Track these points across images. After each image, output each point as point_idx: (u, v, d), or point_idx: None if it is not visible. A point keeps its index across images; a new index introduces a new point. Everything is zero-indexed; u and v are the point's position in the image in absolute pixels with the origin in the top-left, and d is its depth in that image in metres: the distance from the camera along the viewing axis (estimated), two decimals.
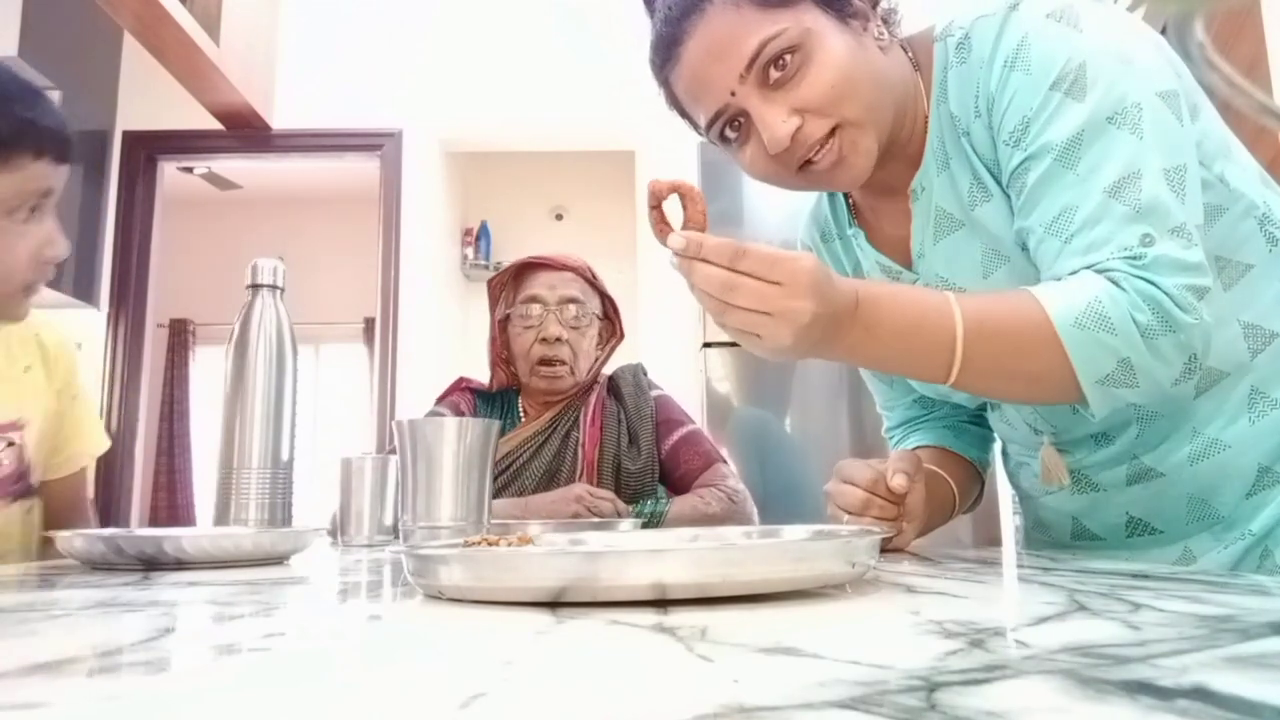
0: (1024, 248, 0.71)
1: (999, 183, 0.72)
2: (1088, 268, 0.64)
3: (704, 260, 0.61)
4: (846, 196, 0.89)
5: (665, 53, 0.75)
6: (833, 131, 0.71)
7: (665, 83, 0.78)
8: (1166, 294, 0.61)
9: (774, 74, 0.70)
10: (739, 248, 0.61)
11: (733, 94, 0.72)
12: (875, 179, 0.78)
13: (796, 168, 0.73)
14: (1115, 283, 0.62)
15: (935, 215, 0.77)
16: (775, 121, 0.70)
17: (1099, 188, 0.64)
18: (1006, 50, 0.69)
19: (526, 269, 1.47)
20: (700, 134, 0.79)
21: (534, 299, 1.43)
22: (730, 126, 0.75)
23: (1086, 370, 0.62)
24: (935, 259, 0.78)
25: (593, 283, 1.48)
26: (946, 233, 0.76)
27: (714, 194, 2.70)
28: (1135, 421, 0.73)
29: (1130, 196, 0.63)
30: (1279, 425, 0.70)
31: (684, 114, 0.80)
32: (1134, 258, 0.62)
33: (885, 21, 0.76)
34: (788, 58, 0.69)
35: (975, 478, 0.94)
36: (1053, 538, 0.86)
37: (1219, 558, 0.73)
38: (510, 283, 1.49)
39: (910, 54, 0.77)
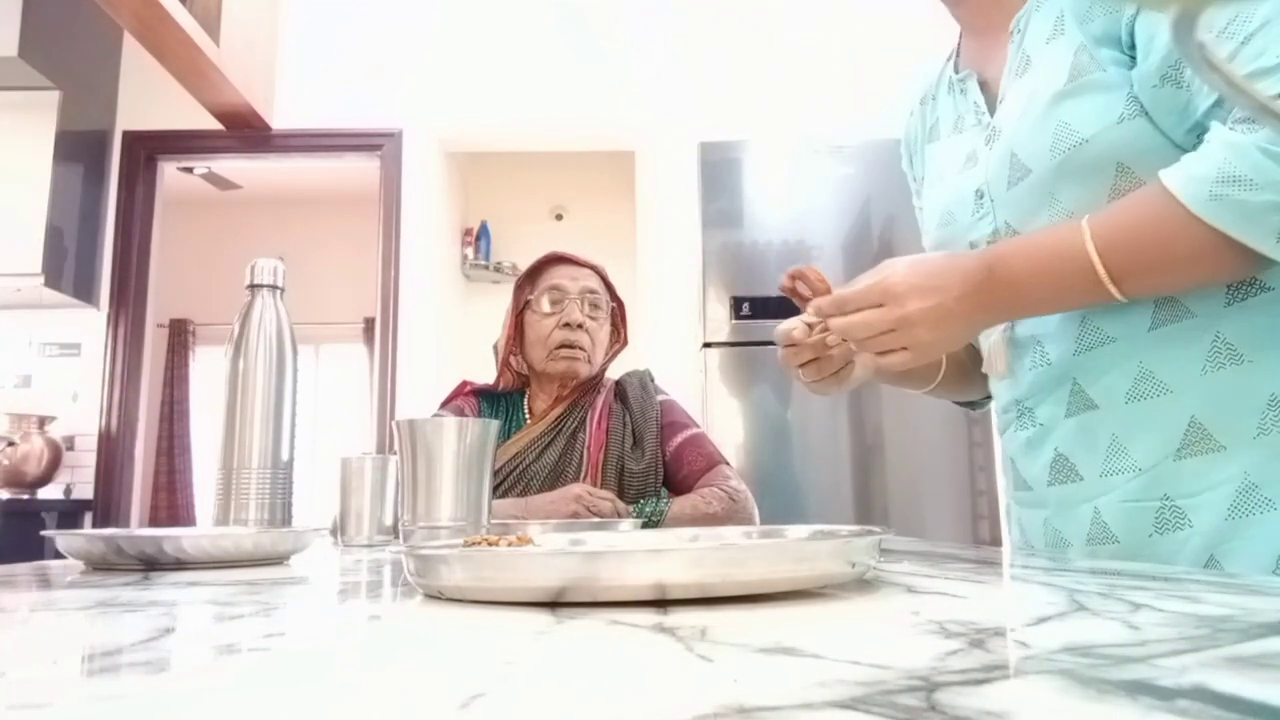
0: (1068, 95, 0.71)
1: (1081, 20, 0.72)
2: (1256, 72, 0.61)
3: (829, 318, 0.73)
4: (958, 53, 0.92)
5: None
6: None
7: None
8: None
9: None
10: (840, 296, 0.73)
11: None
12: (981, 20, 0.84)
13: None
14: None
15: (1021, 58, 0.78)
16: None
17: None
18: None
19: (546, 263, 1.51)
20: None
21: (556, 287, 1.47)
22: None
23: (1253, 234, 0.60)
24: (1008, 100, 0.79)
25: (607, 283, 1.52)
26: (1020, 74, 0.78)
27: (714, 194, 2.70)
28: (1076, 339, 0.74)
29: None
30: (1234, 384, 0.67)
31: None
32: None
33: None
34: None
35: (971, 356, 0.96)
36: (1011, 491, 0.88)
37: (1136, 523, 0.71)
38: (528, 278, 1.51)
39: None
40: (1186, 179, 0.62)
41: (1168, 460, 0.69)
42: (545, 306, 1.46)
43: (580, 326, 1.44)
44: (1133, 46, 0.70)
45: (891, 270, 0.70)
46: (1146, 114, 0.69)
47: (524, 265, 1.53)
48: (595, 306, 1.47)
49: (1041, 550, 0.82)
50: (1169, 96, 0.67)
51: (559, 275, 1.48)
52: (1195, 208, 0.61)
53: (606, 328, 1.51)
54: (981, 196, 0.80)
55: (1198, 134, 0.67)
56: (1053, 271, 0.68)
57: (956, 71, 0.89)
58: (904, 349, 0.70)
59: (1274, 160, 0.58)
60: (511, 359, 1.49)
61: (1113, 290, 0.66)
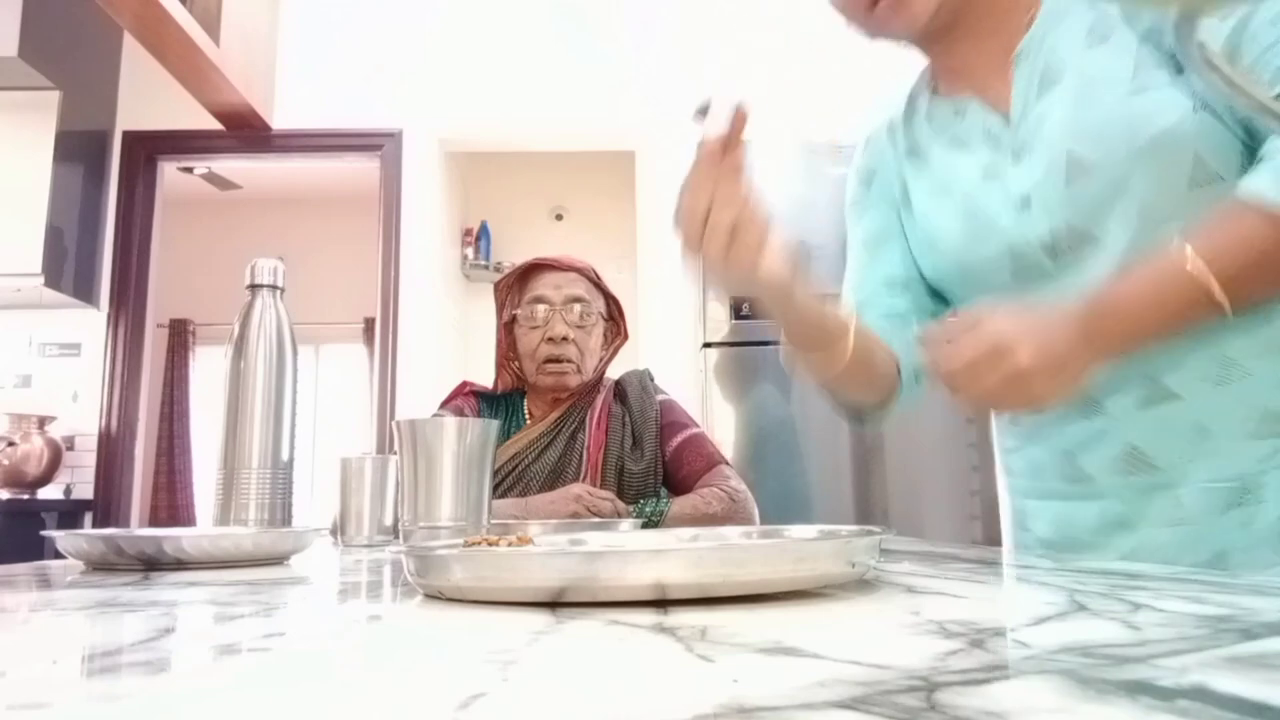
0: (1137, 90, 0.72)
1: (1130, 20, 0.73)
2: None
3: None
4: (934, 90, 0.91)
5: None
6: None
7: None
8: None
9: None
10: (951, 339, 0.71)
11: None
12: (962, 53, 0.83)
13: (869, 4, 0.78)
14: None
15: (1042, 73, 0.79)
16: None
17: None
18: None
19: (532, 270, 1.48)
20: None
21: (540, 299, 1.44)
22: None
23: None
24: (1033, 113, 0.79)
25: (597, 283, 1.49)
26: (1049, 88, 0.78)
27: None
28: None
29: None
30: None
31: None
32: None
33: None
34: None
35: (886, 371, 0.91)
36: (1041, 486, 0.86)
37: (1213, 502, 0.72)
38: (516, 284, 1.49)
39: None
40: (1271, 184, 0.63)
41: (1244, 440, 0.71)
42: (529, 320, 1.43)
43: (566, 339, 1.41)
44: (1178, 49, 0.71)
45: (995, 322, 0.69)
46: (1210, 106, 0.70)
47: None
48: (583, 315, 1.44)
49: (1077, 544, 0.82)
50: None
51: (542, 285, 1.45)
52: None
53: (597, 333, 1.47)
54: (1028, 202, 0.79)
55: (1244, 126, 0.69)
56: (1158, 295, 0.67)
57: (936, 95, 0.89)
58: (1018, 402, 0.68)
59: None
60: (508, 363, 1.49)
61: (1224, 302, 0.65)
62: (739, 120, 0.65)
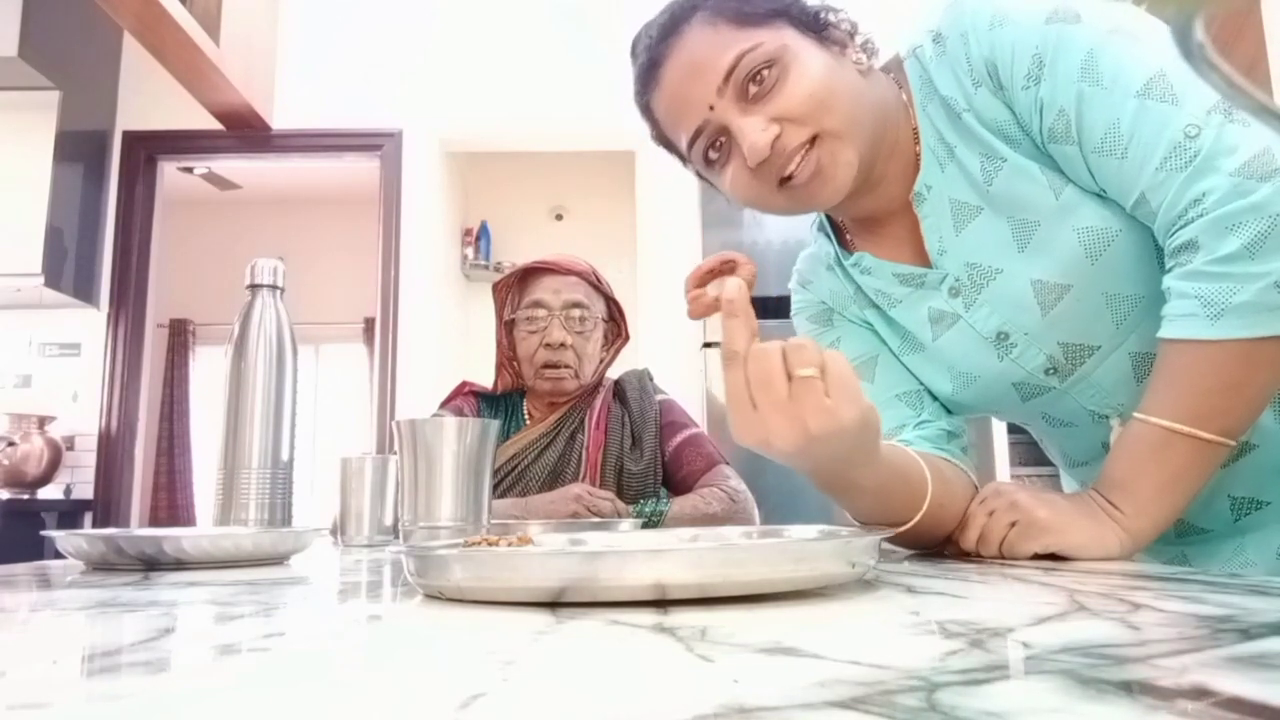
0: (1060, 194, 0.71)
1: (1012, 142, 0.72)
2: (1154, 186, 0.65)
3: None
4: (838, 234, 0.87)
5: (646, 78, 0.76)
6: (812, 142, 0.70)
7: (648, 110, 0.79)
8: (1226, 192, 0.60)
9: (752, 89, 0.70)
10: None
11: (711, 108, 0.72)
12: (869, 206, 0.79)
13: (778, 182, 0.72)
14: (1186, 246, 0.63)
15: (951, 209, 0.76)
16: (754, 130, 0.69)
17: (1130, 93, 0.65)
18: (987, 16, 0.71)
19: (531, 273, 1.47)
20: (685, 163, 0.79)
21: (538, 303, 1.43)
22: (712, 147, 0.75)
23: (1268, 325, 0.61)
24: (961, 250, 0.76)
25: (597, 286, 1.48)
26: (967, 221, 0.76)
27: (714, 194, 2.70)
28: None
29: (1162, 92, 0.64)
30: None
31: (668, 145, 0.80)
32: (1189, 160, 0.62)
33: (865, 51, 0.76)
34: (765, 72, 0.70)
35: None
36: (1152, 545, 0.84)
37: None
38: (515, 286, 1.49)
39: (892, 74, 0.79)
40: (1193, 324, 0.63)
41: None
42: (528, 324, 1.43)
43: (564, 345, 1.40)
44: (1059, 130, 0.70)
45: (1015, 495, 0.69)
46: (1104, 195, 0.70)
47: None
48: (581, 320, 1.43)
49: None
50: (1113, 167, 0.68)
51: (541, 289, 1.44)
52: (1220, 336, 0.62)
53: (596, 336, 1.46)
54: (1006, 338, 0.77)
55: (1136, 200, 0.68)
56: (1174, 473, 0.66)
57: (850, 254, 0.84)
58: (1033, 539, 0.66)
59: (1225, 269, 0.61)
60: (509, 363, 1.49)
61: (1220, 438, 0.65)
62: (749, 275, 0.61)
